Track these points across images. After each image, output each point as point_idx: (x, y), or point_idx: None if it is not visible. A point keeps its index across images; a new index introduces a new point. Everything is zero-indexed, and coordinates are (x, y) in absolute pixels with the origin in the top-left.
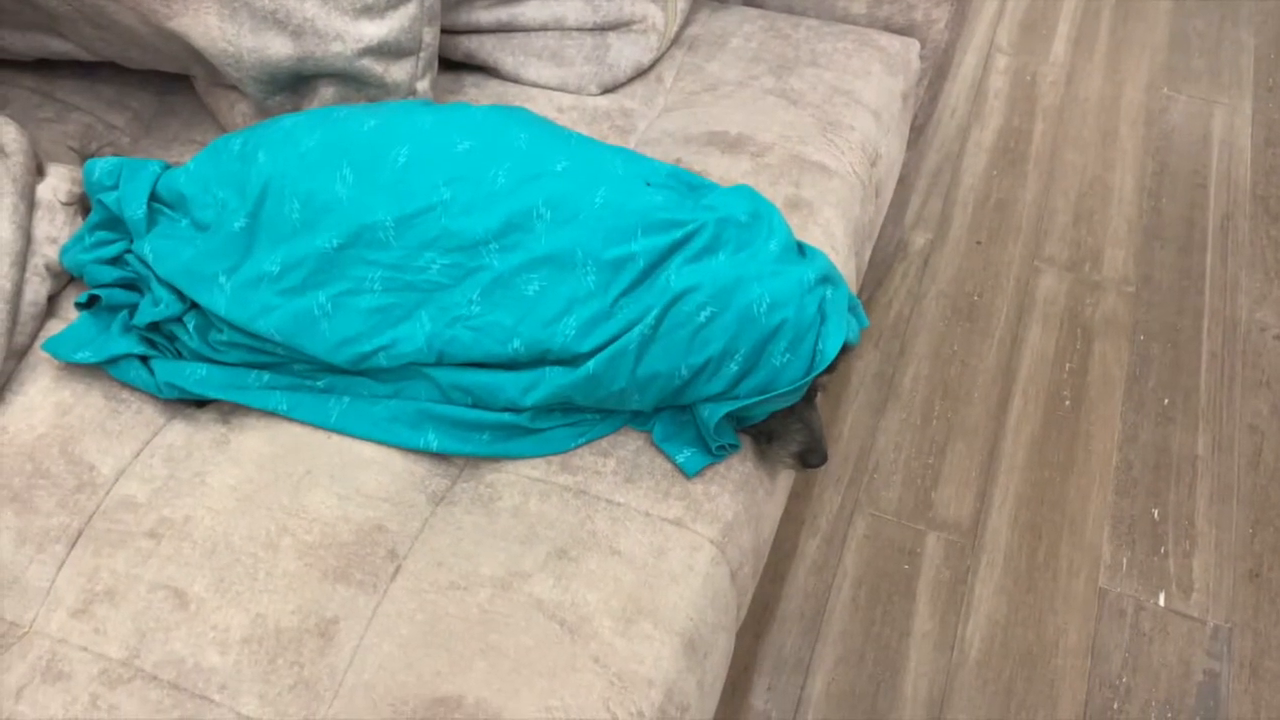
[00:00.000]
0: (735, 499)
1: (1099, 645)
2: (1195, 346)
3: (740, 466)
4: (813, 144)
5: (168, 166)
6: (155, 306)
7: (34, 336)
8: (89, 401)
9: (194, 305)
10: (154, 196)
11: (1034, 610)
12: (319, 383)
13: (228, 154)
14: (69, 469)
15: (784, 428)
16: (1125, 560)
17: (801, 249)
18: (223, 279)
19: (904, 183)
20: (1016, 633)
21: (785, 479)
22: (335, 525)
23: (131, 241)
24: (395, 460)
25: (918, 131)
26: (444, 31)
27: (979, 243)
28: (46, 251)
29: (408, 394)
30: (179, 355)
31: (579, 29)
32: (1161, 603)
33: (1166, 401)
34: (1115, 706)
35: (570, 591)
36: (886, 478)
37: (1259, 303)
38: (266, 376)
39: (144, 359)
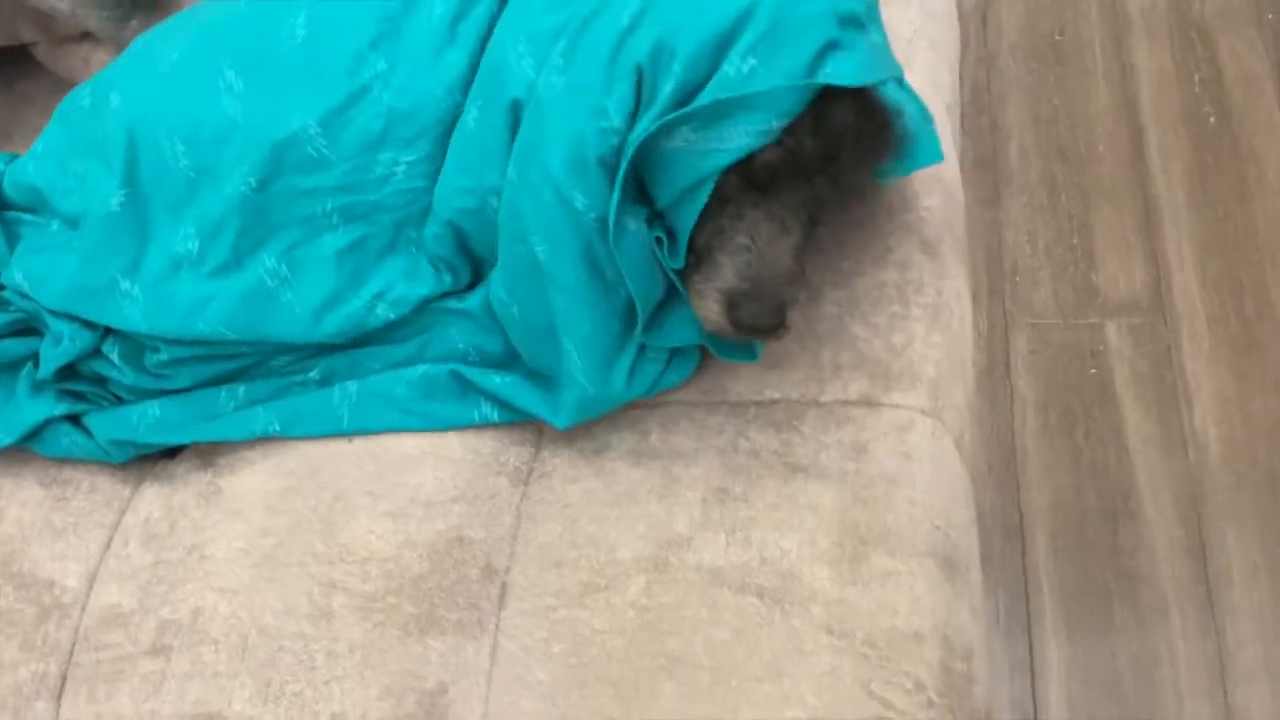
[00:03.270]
0: (930, 343)
1: None
2: None
3: (919, 297)
4: None
5: (12, 159)
6: (58, 346)
7: None
8: (21, 496)
9: (109, 329)
10: (4, 204)
11: (1261, 373)
12: (311, 373)
13: (77, 113)
14: (24, 595)
15: (719, 240)
16: None
17: None
18: (125, 284)
19: None
20: (1255, 404)
21: (965, 300)
22: (399, 557)
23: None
24: (449, 444)
25: None
26: None
27: None
28: None
29: (435, 349)
30: (117, 399)
31: None
32: None
33: None
34: None
35: (754, 544)
36: (1032, 276)
37: None
38: (241, 390)
39: (73, 418)
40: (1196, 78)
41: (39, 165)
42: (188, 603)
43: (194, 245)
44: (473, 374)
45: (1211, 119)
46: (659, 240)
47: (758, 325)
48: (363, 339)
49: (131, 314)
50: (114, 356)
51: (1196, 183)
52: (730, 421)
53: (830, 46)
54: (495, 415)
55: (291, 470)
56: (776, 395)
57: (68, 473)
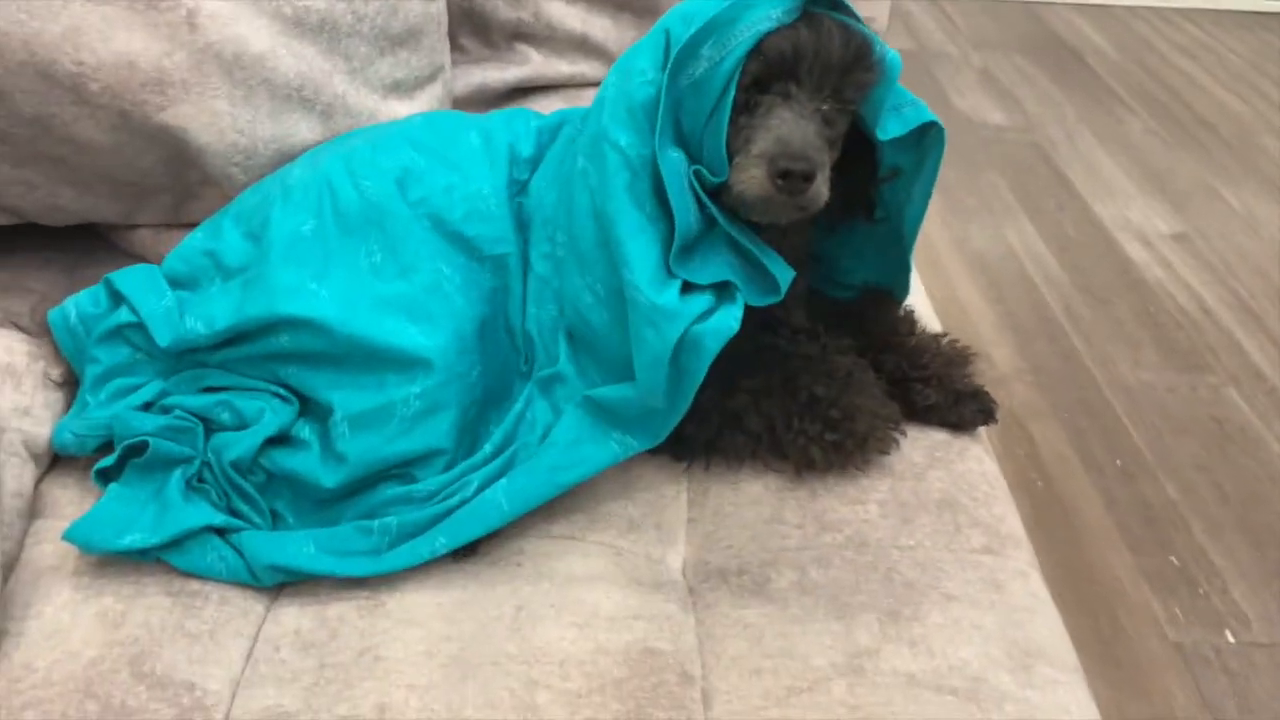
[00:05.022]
0: (1017, 515)
1: (1208, 698)
2: (1111, 411)
3: (998, 481)
4: None
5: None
6: (256, 421)
7: (21, 541)
8: (145, 602)
9: (304, 406)
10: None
11: (1132, 684)
12: (469, 490)
13: (238, 204)
14: (158, 695)
15: (752, 132)
16: (1179, 610)
17: None
18: (313, 285)
19: None
20: (1130, 712)
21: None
22: (595, 661)
23: (164, 379)
24: (612, 571)
25: None
26: None
27: None
28: (21, 425)
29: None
30: (274, 518)
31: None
32: (1231, 639)
33: (1119, 462)
34: None
35: (937, 653)
36: None
37: (1135, 366)
38: (394, 521)
39: (220, 533)
40: (1020, 453)
41: (188, 248)
42: (368, 699)
43: (378, 259)
44: (597, 394)
45: (1039, 483)
46: (698, 175)
47: (794, 170)
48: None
49: (321, 305)
50: (304, 434)
51: (1040, 531)
52: (880, 560)
53: None
54: (623, 449)
55: (463, 585)
56: (912, 543)
57: (195, 585)
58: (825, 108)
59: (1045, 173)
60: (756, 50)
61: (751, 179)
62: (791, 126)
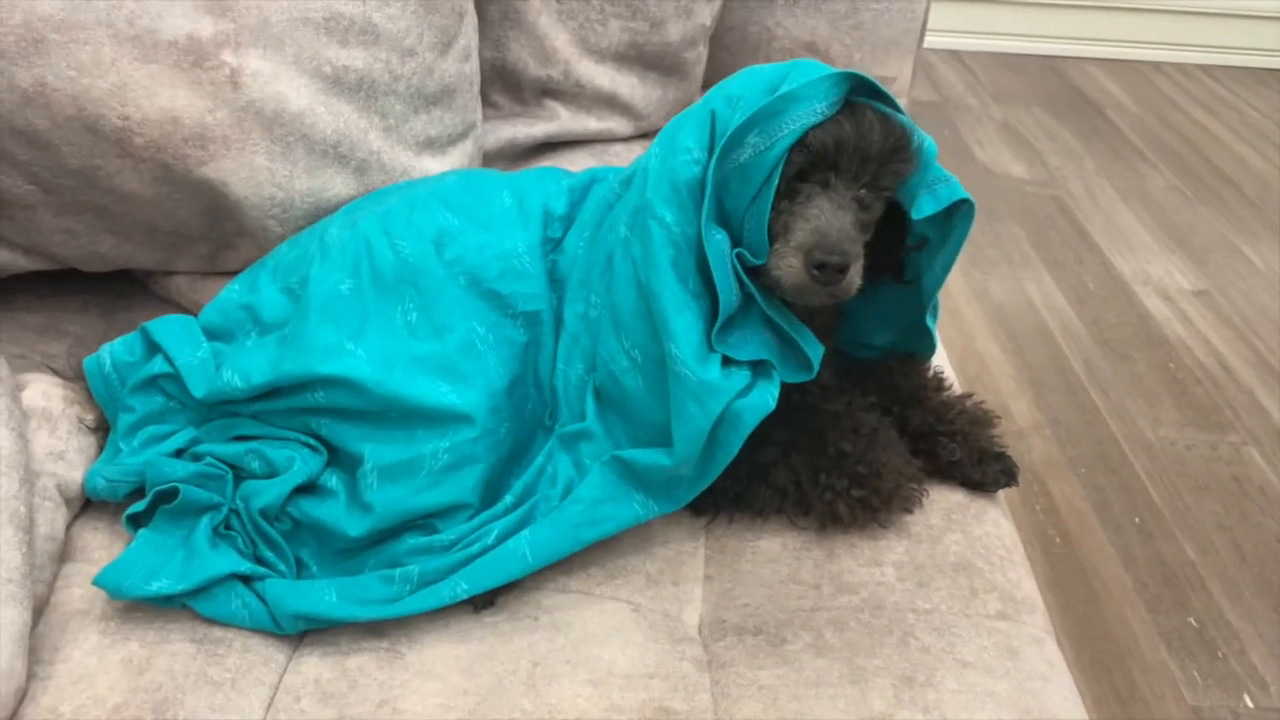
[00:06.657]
0: (1025, 572)
1: None
2: (1129, 467)
3: (1015, 546)
4: None
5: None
6: (286, 470)
7: (51, 585)
8: (170, 649)
9: (332, 456)
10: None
11: None
12: (489, 538)
13: (274, 258)
14: None
15: (792, 220)
16: (1196, 672)
17: None
18: (350, 345)
19: None
20: None
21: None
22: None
23: (196, 427)
24: (628, 627)
25: None
26: None
27: None
28: (55, 469)
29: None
30: (299, 566)
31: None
32: (1250, 704)
33: (1137, 520)
34: None
35: None
36: None
37: (1155, 422)
38: (415, 572)
39: (246, 581)
40: (1038, 508)
41: (224, 302)
42: None
43: (413, 318)
44: (627, 455)
45: (1058, 540)
46: (739, 256)
47: (830, 262)
48: (529, 490)
49: (358, 365)
50: (332, 483)
51: (1057, 589)
52: (896, 624)
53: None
54: (645, 511)
55: (481, 638)
56: (929, 607)
57: (218, 632)
58: (862, 194)
59: (1065, 226)
60: (801, 142)
61: (790, 268)
62: (829, 217)
